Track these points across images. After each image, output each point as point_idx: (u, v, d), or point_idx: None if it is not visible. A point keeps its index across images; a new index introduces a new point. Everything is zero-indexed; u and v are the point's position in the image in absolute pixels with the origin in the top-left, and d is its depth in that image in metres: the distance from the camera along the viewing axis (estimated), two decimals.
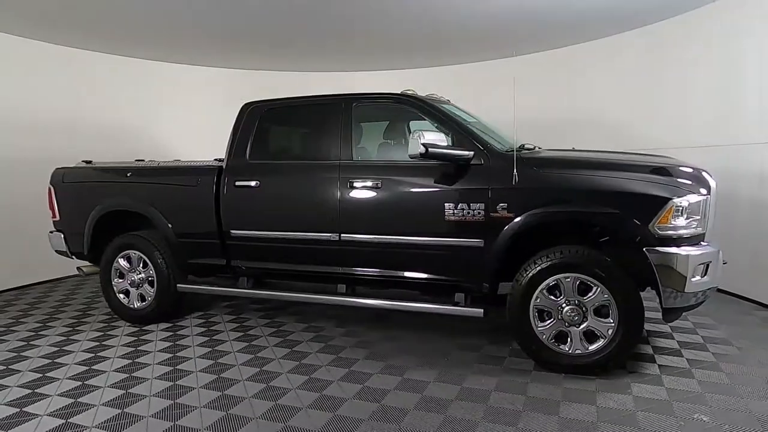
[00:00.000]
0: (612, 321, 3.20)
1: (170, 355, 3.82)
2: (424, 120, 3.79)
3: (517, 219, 3.33)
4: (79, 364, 3.69)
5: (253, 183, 4.02)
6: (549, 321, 3.35)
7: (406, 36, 6.22)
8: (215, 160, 4.50)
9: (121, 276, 4.63)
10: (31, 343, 4.18)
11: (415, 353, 3.74)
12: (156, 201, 4.39)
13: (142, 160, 5.14)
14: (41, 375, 3.52)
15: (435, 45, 6.66)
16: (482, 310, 3.50)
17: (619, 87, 6.22)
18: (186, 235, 4.33)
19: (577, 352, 3.30)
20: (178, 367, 3.61)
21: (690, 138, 5.36)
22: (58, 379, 3.45)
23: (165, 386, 3.29)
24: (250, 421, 2.83)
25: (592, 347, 3.27)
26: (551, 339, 3.35)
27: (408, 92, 3.95)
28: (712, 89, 5.16)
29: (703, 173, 3.29)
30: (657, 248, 3.09)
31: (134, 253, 4.53)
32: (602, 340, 3.24)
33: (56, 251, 4.98)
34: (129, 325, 4.56)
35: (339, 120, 3.91)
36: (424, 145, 3.27)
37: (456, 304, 3.65)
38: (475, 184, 3.44)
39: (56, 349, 4.02)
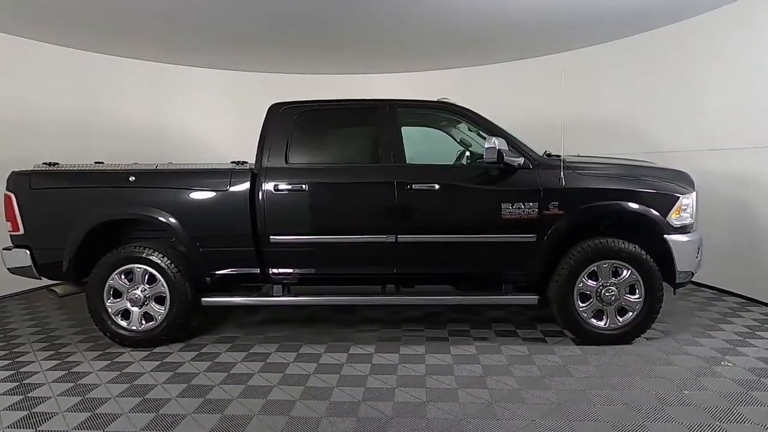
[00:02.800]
0: (639, 297, 3.90)
1: (224, 374, 3.53)
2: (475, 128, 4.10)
3: (566, 215, 3.84)
4: (128, 395, 3.20)
5: (299, 186, 3.90)
6: (589, 302, 3.93)
7: (412, 39, 6.28)
8: (233, 162, 4.20)
9: (117, 295, 4.05)
10: (25, 383, 3.45)
11: (467, 342, 4.03)
12: (172, 208, 3.96)
13: (102, 163, 4.55)
14: (95, 418, 3.00)
15: (446, 48, 6.68)
16: (537, 297, 3.95)
17: (631, 89, 6.23)
18: (211, 244, 3.99)
19: (612, 325, 3.93)
20: (247, 384, 3.37)
21: (704, 141, 5.44)
22: (135, 418, 2.98)
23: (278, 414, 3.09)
24: None
25: (623, 320, 3.93)
26: (591, 317, 3.93)
27: (444, 100, 4.22)
28: (730, 92, 5.18)
29: (690, 175, 4.17)
30: (672, 236, 3.87)
31: (139, 268, 4.00)
32: (632, 313, 3.91)
33: (12, 270, 4.13)
34: (133, 350, 4.01)
35: (386, 124, 4.01)
36: (500, 151, 3.62)
37: (507, 293, 4.05)
38: (529, 185, 3.87)
39: (71, 384, 3.40)
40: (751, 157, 5.00)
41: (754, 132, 4.97)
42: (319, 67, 7.63)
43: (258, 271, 4.04)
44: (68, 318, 4.93)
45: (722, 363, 3.57)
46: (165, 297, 4.02)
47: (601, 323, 3.94)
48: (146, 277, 4.03)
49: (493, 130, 3.99)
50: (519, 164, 3.82)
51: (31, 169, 4.13)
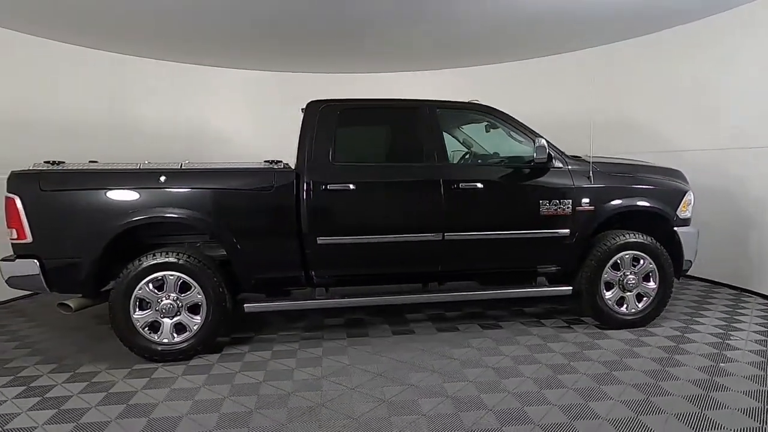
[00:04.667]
0: (654, 284, 4.32)
1: (289, 381, 3.38)
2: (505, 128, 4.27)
3: (596, 210, 4.15)
4: (199, 412, 2.96)
5: (348, 186, 3.83)
6: (612, 290, 4.28)
7: (429, 39, 6.24)
8: (266, 162, 4.02)
9: (143, 306, 3.71)
10: (64, 408, 3.05)
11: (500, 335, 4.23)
12: (211, 210, 3.71)
13: (96, 162, 4.17)
14: None
15: (465, 46, 6.59)
16: (570, 288, 4.23)
17: (651, 86, 6.15)
18: (253, 247, 3.80)
19: (633, 310, 4.31)
20: (321, 389, 3.27)
21: (721, 140, 5.48)
22: None
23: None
24: None
25: (641, 306, 4.33)
26: (613, 304, 4.29)
27: (474, 102, 4.37)
28: (749, 90, 5.18)
29: (684, 173, 4.68)
30: (680, 228, 4.34)
31: (171, 275, 3.69)
32: (648, 299, 4.33)
33: (12, 281, 3.63)
34: (165, 365, 3.70)
35: (428, 124, 4.07)
36: (549, 153, 3.85)
37: (542, 285, 4.29)
38: (564, 183, 4.13)
39: (122, 405, 3.06)
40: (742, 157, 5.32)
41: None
42: (336, 66, 7.50)
43: (302, 273, 3.92)
44: (57, 335, 4.41)
45: (730, 337, 4.08)
46: (200, 305, 3.76)
47: (623, 309, 4.31)
48: (179, 286, 3.73)
49: (526, 131, 4.20)
50: (558, 164, 4.08)
51: (34, 168, 3.67)
